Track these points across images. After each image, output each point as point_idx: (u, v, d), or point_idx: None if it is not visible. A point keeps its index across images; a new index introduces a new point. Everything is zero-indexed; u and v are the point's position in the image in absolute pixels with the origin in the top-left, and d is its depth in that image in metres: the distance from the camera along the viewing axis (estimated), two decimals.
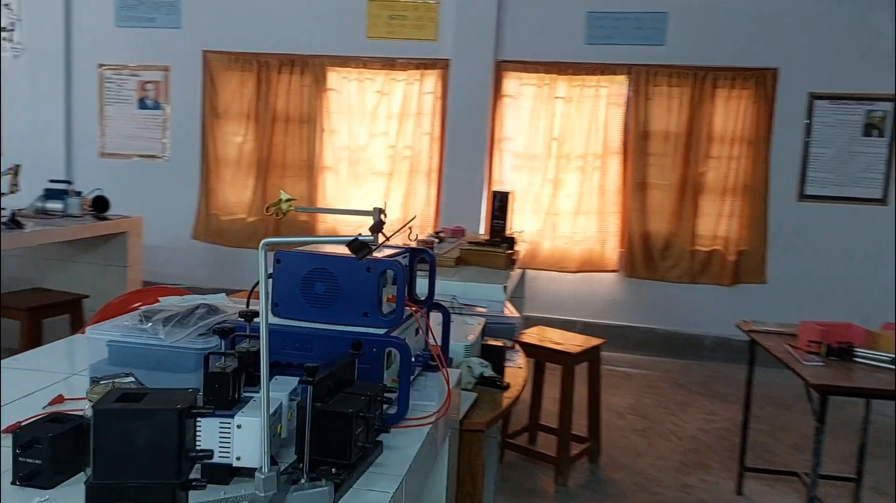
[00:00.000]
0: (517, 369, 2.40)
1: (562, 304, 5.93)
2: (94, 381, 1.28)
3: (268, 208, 1.95)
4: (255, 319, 1.29)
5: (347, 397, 1.15)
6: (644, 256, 5.87)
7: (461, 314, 2.65)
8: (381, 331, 1.41)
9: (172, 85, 6.35)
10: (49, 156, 6.40)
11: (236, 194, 6.30)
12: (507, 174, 6.00)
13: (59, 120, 6.44)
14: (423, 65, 5.97)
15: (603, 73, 5.79)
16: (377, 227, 1.25)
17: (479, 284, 3.03)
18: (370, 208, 1.31)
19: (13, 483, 1.07)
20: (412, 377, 1.58)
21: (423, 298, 1.68)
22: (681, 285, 5.80)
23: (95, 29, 6.38)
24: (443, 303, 2.65)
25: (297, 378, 1.22)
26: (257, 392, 1.17)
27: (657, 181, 5.82)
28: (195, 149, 6.34)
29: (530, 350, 3.50)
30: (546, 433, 3.80)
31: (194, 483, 0.82)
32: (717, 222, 5.73)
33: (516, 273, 3.77)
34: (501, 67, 5.88)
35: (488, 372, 2.20)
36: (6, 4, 6.41)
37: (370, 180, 6.14)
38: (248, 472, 1.09)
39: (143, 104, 6.40)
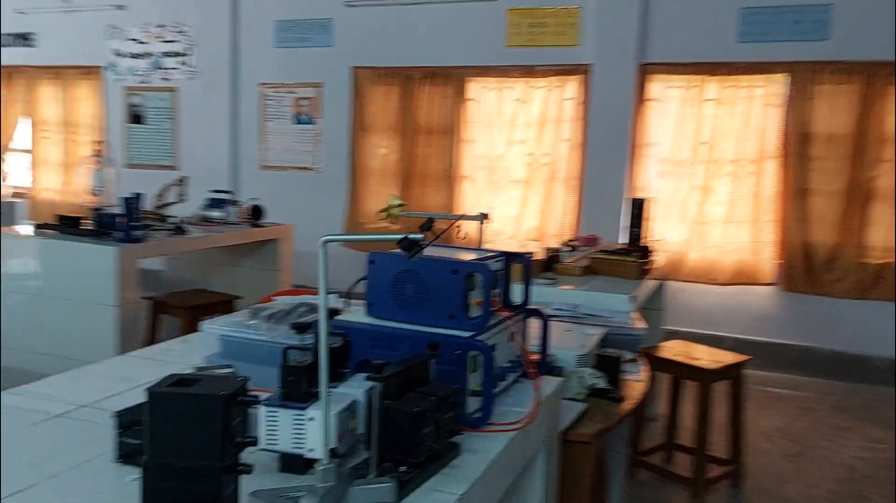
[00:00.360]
0: (636, 382, 2.30)
1: (710, 319, 5.61)
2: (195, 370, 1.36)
3: (380, 213, 1.98)
4: (337, 317, 1.32)
5: (418, 396, 1.15)
6: (805, 269, 5.43)
7: (580, 324, 2.57)
8: (466, 335, 1.39)
9: (325, 100, 6.70)
10: (216, 168, 6.94)
11: (380, 203, 6.52)
12: (650, 181, 5.78)
13: (226, 136, 6.97)
14: (564, 71, 5.90)
15: (758, 73, 5.44)
16: (427, 226, 1.23)
17: (604, 294, 2.93)
18: (473, 214, 1.30)
19: (116, 461, 1.16)
20: (506, 383, 1.55)
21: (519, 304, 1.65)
22: (846, 301, 5.31)
23: (257, 51, 6.86)
24: (563, 312, 2.58)
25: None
26: (337, 388, 1.20)
27: (821, 187, 5.37)
28: (343, 160, 6.64)
29: (665, 365, 3.34)
30: (683, 453, 3.60)
31: (240, 467, 0.84)
32: (888, 232, 5.20)
33: (651, 283, 3.61)
34: (646, 70, 5.68)
35: (601, 383, 2.11)
36: (183, 32, 7.04)
37: (508, 188, 6.14)
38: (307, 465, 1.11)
39: (298, 119, 6.80)
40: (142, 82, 7.30)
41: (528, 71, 5.98)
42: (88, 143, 7.58)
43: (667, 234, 5.54)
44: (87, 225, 4.08)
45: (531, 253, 1.68)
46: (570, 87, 5.91)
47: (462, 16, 6.14)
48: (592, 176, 5.81)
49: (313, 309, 1.59)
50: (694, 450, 3.27)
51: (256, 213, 5.14)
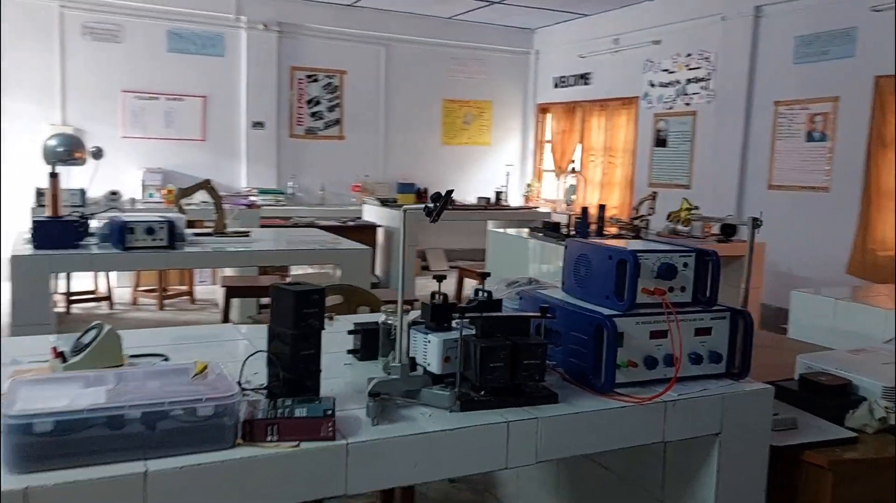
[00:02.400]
0: None
1: None
2: None
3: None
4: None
5: (498, 340, 1.46)
6: None
7: None
8: (606, 313, 1.59)
9: (840, 115, 6.25)
10: (725, 187, 7.13)
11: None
12: None
13: (736, 155, 7.10)
14: None
15: None
16: (436, 197, 1.47)
17: None
18: None
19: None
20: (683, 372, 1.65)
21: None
22: None
23: (774, 69, 6.79)
24: None
25: None
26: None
27: None
28: (856, 180, 6.08)
29: None
30: None
31: (310, 338, 1.36)
32: None
33: None
34: None
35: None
36: (707, 58, 7.43)
37: None
38: (439, 379, 1.52)
39: (810, 136, 6.49)
40: (668, 108, 7.94)
41: None
42: (621, 166, 8.61)
43: None
44: (560, 228, 4.92)
45: (716, 251, 1.70)
46: None
47: None
48: None
49: (531, 282, 1.96)
50: None
51: (728, 229, 5.25)
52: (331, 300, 2.99)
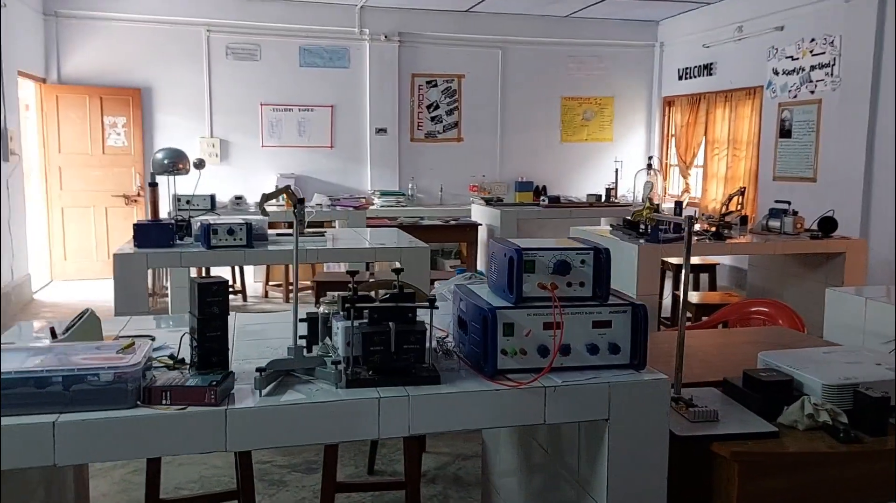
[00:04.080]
0: None
1: None
2: None
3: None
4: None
5: (379, 326, 1.67)
6: None
7: None
8: (497, 305, 1.75)
9: None
10: (850, 178, 6.68)
11: None
12: None
13: (862, 145, 6.61)
14: None
15: None
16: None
17: None
18: None
19: None
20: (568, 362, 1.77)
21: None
22: None
23: None
24: None
25: None
26: None
27: None
28: None
29: None
30: None
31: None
32: None
33: None
34: None
35: (829, 419, 1.84)
36: (832, 43, 6.97)
37: None
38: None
39: None
40: (793, 97, 7.52)
41: None
42: (745, 159, 8.24)
43: None
44: (638, 226, 4.90)
45: (607, 249, 1.78)
46: None
47: None
48: None
49: (472, 276, 2.11)
50: None
51: (826, 225, 4.98)
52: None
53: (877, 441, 1.82)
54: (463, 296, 1.91)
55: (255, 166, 8.83)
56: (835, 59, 6.96)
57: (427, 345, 1.69)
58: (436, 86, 9.41)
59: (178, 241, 4.12)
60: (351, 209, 6.74)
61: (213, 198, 6.34)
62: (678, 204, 4.76)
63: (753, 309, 3.53)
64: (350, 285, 1.78)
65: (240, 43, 8.78)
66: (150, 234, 3.92)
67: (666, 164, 9.96)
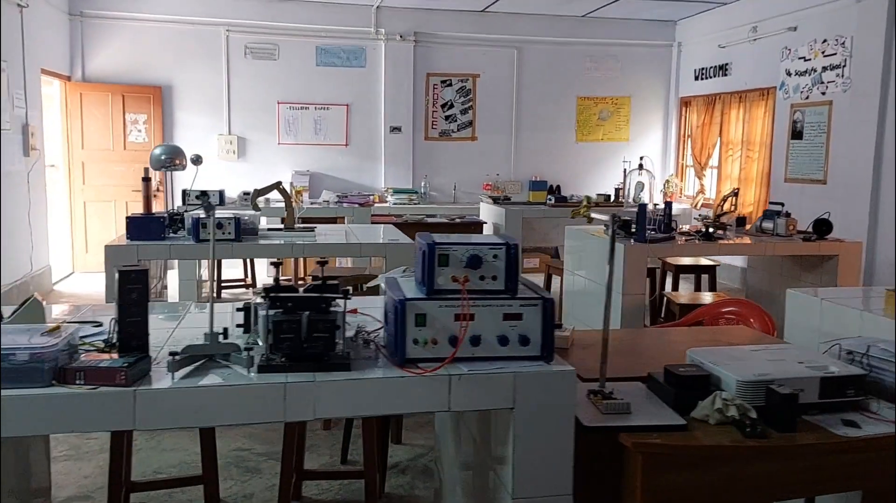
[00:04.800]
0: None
1: None
2: None
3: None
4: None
5: (294, 315, 1.75)
6: None
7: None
8: (411, 297, 1.82)
9: None
10: (860, 181, 6.58)
11: None
12: None
13: (871, 147, 6.51)
14: None
15: None
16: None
17: None
18: None
19: None
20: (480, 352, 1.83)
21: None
22: None
23: None
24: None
25: None
26: None
27: None
28: None
29: None
30: None
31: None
32: None
33: None
34: None
35: (736, 414, 1.87)
36: (843, 43, 6.88)
37: None
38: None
39: None
40: (804, 98, 7.43)
41: None
42: (758, 160, 8.16)
43: None
44: (630, 227, 4.91)
45: (516, 244, 1.84)
46: None
47: None
48: None
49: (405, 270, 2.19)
50: None
51: (820, 227, 4.94)
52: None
53: (784, 437, 1.84)
54: (387, 288, 1.98)
55: (272, 163, 9.00)
56: (846, 59, 6.86)
57: (344, 334, 1.77)
58: (450, 85, 9.49)
59: (172, 235, 4.26)
60: (356, 206, 6.85)
61: (221, 193, 6.48)
62: (668, 204, 4.76)
63: (725, 309, 3.54)
64: (274, 277, 1.87)
65: (258, 42, 8.95)
66: (143, 227, 4.07)
67: (682, 164, 9.89)
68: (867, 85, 6.55)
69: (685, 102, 9.76)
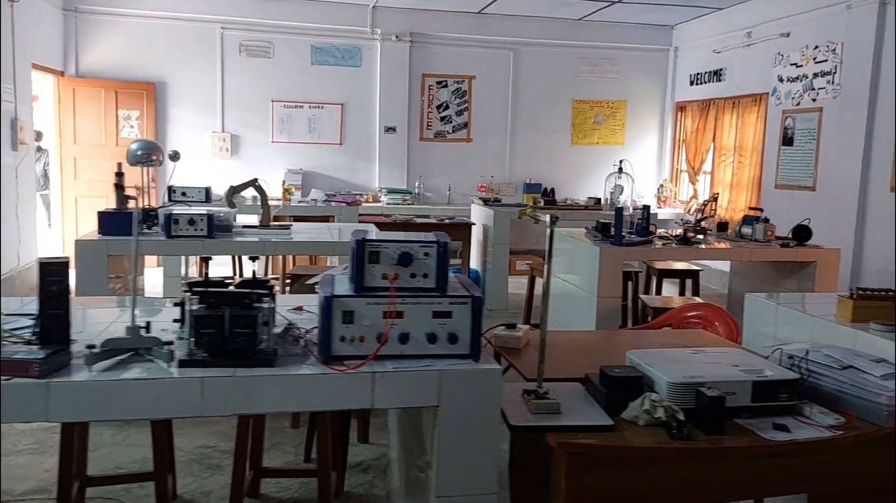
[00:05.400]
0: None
1: None
2: None
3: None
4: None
5: (217, 311, 1.75)
6: None
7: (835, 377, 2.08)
8: (340, 295, 1.81)
9: None
10: (846, 188, 6.55)
11: None
12: None
13: (858, 154, 6.48)
14: None
15: None
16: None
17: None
18: None
19: None
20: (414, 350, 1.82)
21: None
22: None
23: None
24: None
25: None
26: None
27: None
28: None
29: None
30: None
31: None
32: None
33: None
34: None
35: (678, 417, 1.86)
36: (834, 50, 6.84)
37: None
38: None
39: None
40: (796, 104, 7.40)
41: None
42: (749, 166, 8.12)
43: None
44: (609, 229, 4.90)
45: (446, 242, 1.83)
46: None
47: None
48: None
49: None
50: None
51: (800, 233, 4.92)
52: None
53: (710, 440, 1.83)
54: (321, 285, 1.97)
55: (265, 161, 9.01)
56: (836, 66, 6.83)
57: (270, 330, 1.77)
58: (446, 86, 9.48)
59: (146, 230, 4.26)
60: (344, 205, 6.86)
61: (208, 190, 6.49)
62: (646, 208, 4.74)
63: (691, 313, 3.52)
64: (202, 272, 1.86)
65: (253, 40, 8.97)
66: (114, 223, 4.08)
67: (677, 169, 9.86)
68: (856, 92, 6.52)
69: (680, 107, 9.74)
